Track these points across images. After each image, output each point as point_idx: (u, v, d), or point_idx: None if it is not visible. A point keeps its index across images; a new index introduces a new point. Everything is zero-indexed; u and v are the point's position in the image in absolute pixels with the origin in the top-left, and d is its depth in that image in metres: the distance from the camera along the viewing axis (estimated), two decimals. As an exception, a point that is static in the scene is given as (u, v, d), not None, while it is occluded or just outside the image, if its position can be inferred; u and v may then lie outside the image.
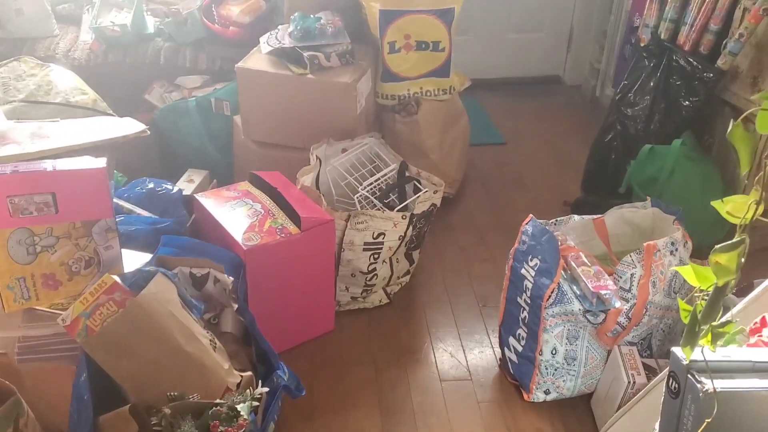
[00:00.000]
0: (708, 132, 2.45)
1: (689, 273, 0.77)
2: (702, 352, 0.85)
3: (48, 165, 1.48)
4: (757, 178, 0.65)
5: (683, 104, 2.32)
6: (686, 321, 0.78)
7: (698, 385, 0.84)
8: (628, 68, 2.52)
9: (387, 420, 1.79)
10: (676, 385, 0.89)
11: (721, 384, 0.84)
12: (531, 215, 1.85)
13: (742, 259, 0.68)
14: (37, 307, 1.56)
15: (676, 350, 0.88)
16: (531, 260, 1.78)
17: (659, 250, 1.69)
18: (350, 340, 2.06)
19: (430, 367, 1.97)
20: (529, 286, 1.77)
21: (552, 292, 1.70)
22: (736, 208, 0.67)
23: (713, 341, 0.76)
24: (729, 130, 0.67)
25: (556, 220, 1.92)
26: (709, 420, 0.80)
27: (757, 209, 0.66)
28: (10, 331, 1.51)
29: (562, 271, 1.73)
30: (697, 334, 0.76)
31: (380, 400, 1.85)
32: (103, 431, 1.32)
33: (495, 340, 2.05)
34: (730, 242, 0.68)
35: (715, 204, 0.70)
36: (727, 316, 1.37)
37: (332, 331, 2.08)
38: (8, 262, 1.49)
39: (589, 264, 1.76)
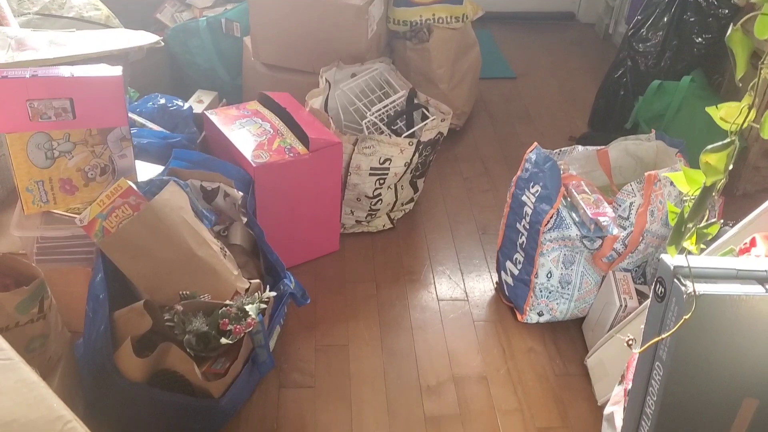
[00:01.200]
0: (718, 71, 2.46)
1: (679, 177, 0.81)
2: (686, 258, 0.90)
3: (65, 71, 1.51)
4: (751, 84, 0.68)
5: (695, 41, 2.32)
6: (673, 223, 0.83)
7: (682, 288, 0.89)
8: (643, 4, 2.51)
9: (386, 332, 1.87)
10: (663, 290, 0.95)
11: (705, 288, 0.89)
12: (536, 143, 1.89)
13: (731, 161, 0.72)
14: (55, 211, 1.62)
15: (664, 257, 0.94)
16: (532, 187, 1.83)
17: (659, 180, 1.74)
18: (353, 260, 2.13)
19: (429, 288, 2.04)
20: (529, 212, 1.82)
21: (551, 218, 1.76)
22: (729, 113, 0.71)
23: (697, 241, 0.82)
24: (728, 34, 0.71)
25: (560, 150, 1.96)
26: (686, 317, 0.86)
27: (749, 114, 0.69)
28: (29, 232, 1.57)
29: (563, 199, 1.78)
30: (683, 234, 0.81)
31: (380, 315, 1.93)
32: (118, 327, 1.39)
33: (492, 265, 2.11)
34: (720, 143, 0.72)
35: (710, 110, 0.74)
36: (721, 241, 1.42)
37: (336, 252, 2.15)
38: (27, 165, 1.54)
39: (589, 192, 1.81)
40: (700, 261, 0.91)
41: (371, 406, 1.67)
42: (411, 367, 1.78)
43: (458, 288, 2.05)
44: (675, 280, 0.91)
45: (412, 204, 2.34)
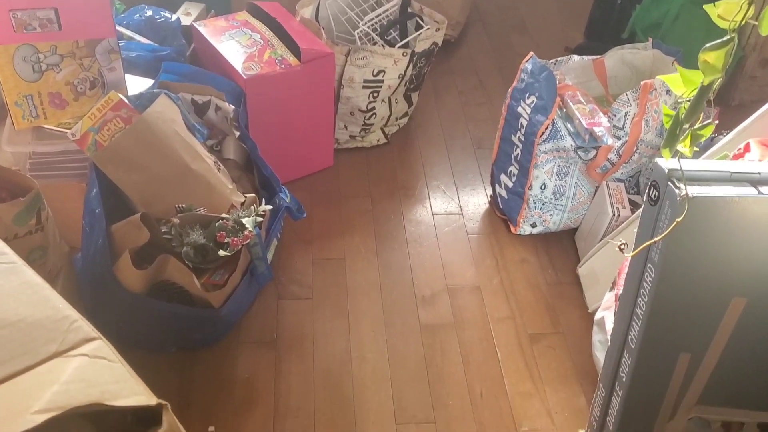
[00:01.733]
0: (717, -22, 2.40)
1: (675, 79, 0.81)
2: (679, 161, 0.90)
3: (48, -20, 1.46)
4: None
5: (694, -54, 2.25)
6: (668, 126, 0.83)
7: (676, 191, 0.90)
8: None
9: (381, 245, 1.89)
10: (656, 193, 0.95)
11: (698, 190, 0.90)
12: (531, 53, 1.86)
13: (729, 59, 0.71)
14: (46, 126, 1.60)
15: (658, 160, 0.94)
16: (528, 98, 1.81)
17: (656, 89, 1.72)
18: (348, 175, 2.13)
19: (423, 202, 2.05)
20: (524, 123, 1.81)
21: (546, 129, 1.75)
22: (727, 10, 0.69)
23: (692, 143, 0.82)
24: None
25: (556, 60, 1.93)
26: (679, 219, 0.87)
27: (748, 10, 0.68)
28: (20, 147, 1.55)
29: (558, 109, 1.76)
30: (678, 137, 0.81)
31: (375, 228, 1.95)
32: (116, 240, 1.40)
33: (487, 179, 2.12)
34: (719, 41, 0.71)
35: (707, 8, 0.72)
36: (715, 148, 1.43)
37: (331, 167, 2.15)
38: (15, 79, 1.51)
39: (584, 102, 1.79)
40: (694, 164, 0.92)
41: (368, 316, 1.71)
42: (406, 279, 1.81)
43: (453, 202, 2.06)
44: (669, 183, 0.92)
45: (406, 118, 2.32)
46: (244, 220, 1.42)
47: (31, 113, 1.57)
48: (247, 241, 1.40)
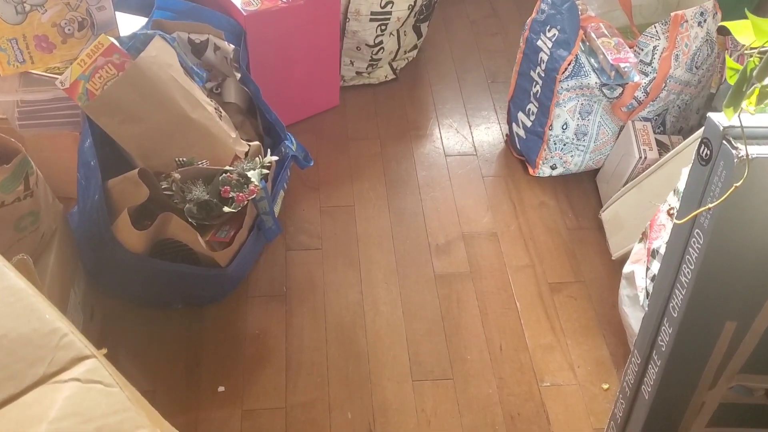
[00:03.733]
0: None
1: (743, 27, 0.70)
2: (739, 117, 0.81)
3: None
4: None
5: None
6: (732, 81, 0.73)
7: (733, 151, 0.81)
8: None
9: (392, 191, 1.81)
10: (708, 152, 0.86)
11: (759, 150, 0.81)
12: (552, -19, 1.72)
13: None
14: (33, 71, 1.49)
15: (714, 115, 0.84)
16: (549, 31, 1.69)
17: (687, 21, 1.59)
18: (355, 115, 2.02)
19: (435, 143, 1.95)
20: (545, 58, 1.69)
21: (569, 65, 1.64)
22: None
23: (758, 101, 0.72)
24: None
25: (578, -11, 1.79)
26: (737, 184, 0.78)
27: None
28: (7, 96, 1.45)
29: (581, 43, 1.64)
30: (743, 94, 0.71)
31: (385, 173, 1.86)
32: (113, 196, 1.31)
33: (502, 117, 2.01)
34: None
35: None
36: None
37: (337, 107, 2.04)
38: (-5, 22, 1.39)
39: (609, 36, 1.67)
40: (755, 120, 0.82)
41: (380, 266, 1.64)
42: (419, 226, 1.73)
43: (466, 142, 1.96)
44: (724, 141, 0.82)
45: (415, 51, 2.19)
46: (249, 174, 1.33)
47: (16, 58, 1.45)
48: (253, 196, 1.32)
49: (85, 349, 0.51)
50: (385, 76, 2.12)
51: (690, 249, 0.89)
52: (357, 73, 2.07)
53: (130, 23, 1.63)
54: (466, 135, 1.97)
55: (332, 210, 1.76)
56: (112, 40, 1.34)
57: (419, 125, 2.00)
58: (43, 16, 1.43)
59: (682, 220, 0.84)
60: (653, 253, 1.26)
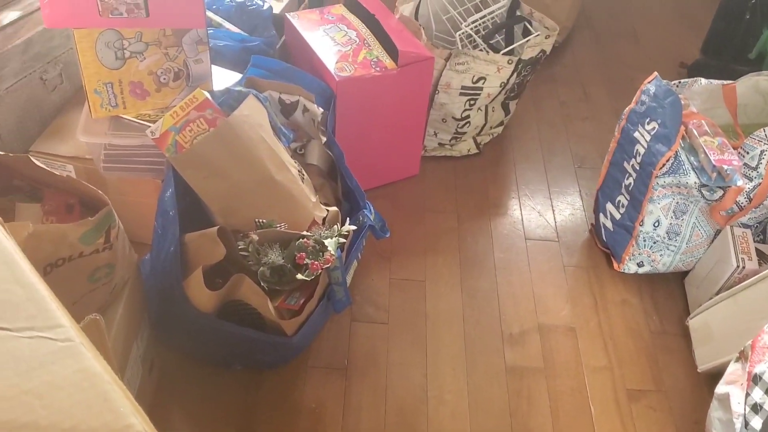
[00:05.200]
0: None
1: None
2: None
3: (140, -38, 1.35)
4: None
5: None
6: None
7: None
8: None
9: (466, 269, 1.73)
10: None
11: None
12: (656, 73, 1.66)
13: None
14: (124, 116, 1.50)
15: None
16: (648, 123, 1.61)
17: (801, 127, 1.50)
18: (434, 186, 1.97)
19: (516, 224, 1.88)
20: (642, 151, 1.62)
21: (667, 161, 1.55)
22: None
23: None
24: None
25: (679, 82, 1.73)
26: None
27: None
28: (96, 138, 1.46)
29: (681, 140, 1.56)
30: None
31: (460, 249, 1.79)
32: (189, 251, 1.29)
33: (588, 204, 1.93)
34: None
35: None
36: None
37: (416, 176, 2.00)
38: (96, 65, 1.41)
39: (711, 134, 1.58)
40: None
41: (448, 349, 1.56)
42: (493, 311, 1.65)
43: (549, 227, 1.88)
44: None
45: (501, 128, 2.15)
46: (326, 241, 1.29)
47: (110, 102, 1.47)
48: (328, 265, 1.27)
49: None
50: (468, 150, 2.07)
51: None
52: (440, 144, 2.04)
53: (224, 77, 1.64)
54: (548, 219, 1.90)
55: (402, 283, 1.70)
56: (207, 94, 1.33)
57: (500, 204, 1.94)
58: (141, 63, 1.44)
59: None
60: (755, 379, 1.15)
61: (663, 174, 1.56)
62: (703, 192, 1.56)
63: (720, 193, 1.55)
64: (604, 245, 1.79)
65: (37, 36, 1.57)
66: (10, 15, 1.54)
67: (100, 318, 0.79)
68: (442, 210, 1.90)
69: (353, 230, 1.39)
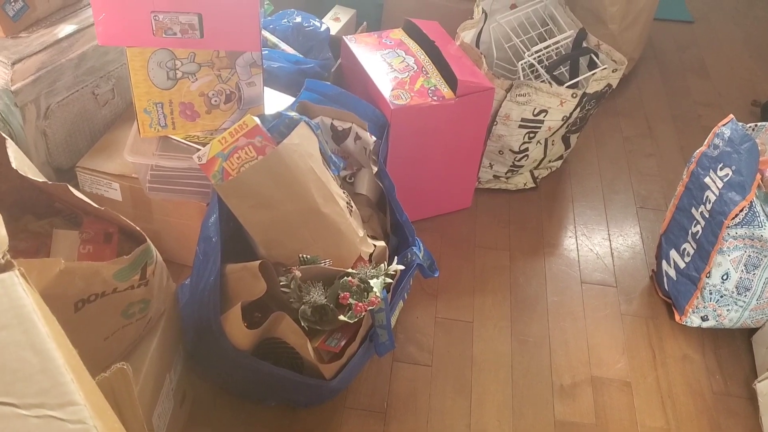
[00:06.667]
0: None
1: None
2: None
3: (197, -19, 1.31)
4: None
5: None
6: None
7: None
8: None
9: (517, 312, 1.65)
10: None
11: None
12: (731, 116, 1.55)
13: None
14: (173, 137, 1.46)
15: None
16: (721, 169, 1.51)
17: None
18: (486, 221, 1.89)
19: (572, 265, 1.78)
20: (712, 198, 1.51)
21: (741, 211, 1.45)
22: None
23: None
24: None
25: (756, 125, 1.61)
26: None
27: None
28: (143, 159, 1.42)
29: (757, 189, 1.46)
30: None
31: (512, 290, 1.70)
32: (229, 282, 1.23)
33: (650, 249, 1.82)
34: None
35: None
36: None
37: (468, 209, 1.92)
38: (147, 85, 1.38)
39: (791, 184, 1.47)
40: None
41: (494, 398, 1.47)
42: (543, 359, 1.55)
43: (607, 270, 1.78)
44: None
45: (560, 162, 2.06)
46: (371, 281, 1.22)
47: (159, 122, 1.43)
48: (372, 307, 1.20)
49: None
50: (524, 184, 1.99)
51: None
52: (495, 176, 1.96)
53: (276, 100, 1.59)
54: (607, 262, 1.79)
55: (448, 323, 1.62)
56: (257, 121, 1.29)
57: (555, 242, 1.85)
58: (192, 84, 1.41)
59: None
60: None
61: (735, 225, 1.46)
62: (780, 247, 1.45)
63: (798, 249, 1.44)
64: (666, 294, 1.68)
65: (92, 50, 1.56)
66: (67, 28, 1.52)
67: (127, 367, 0.73)
68: (493, 246, 1.82)
69: (401, 270, 1.32)
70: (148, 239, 0.90)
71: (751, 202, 1.44)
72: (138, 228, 0.93)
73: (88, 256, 1.01)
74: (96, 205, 0.94)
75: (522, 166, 1.93)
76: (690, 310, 1.60)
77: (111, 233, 1.03)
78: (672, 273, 1.65)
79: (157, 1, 1.27)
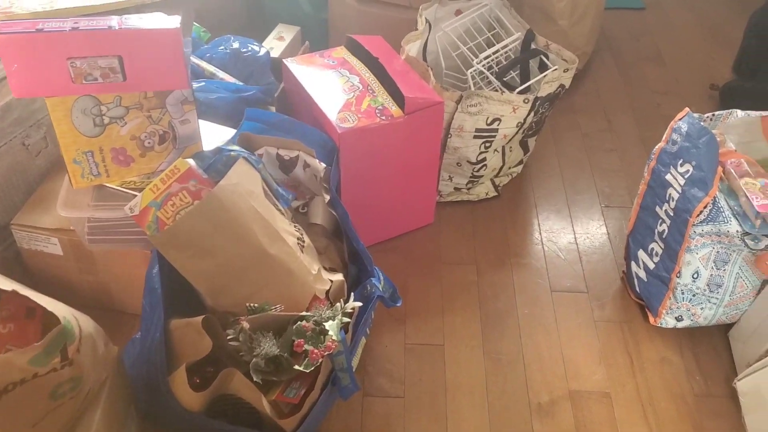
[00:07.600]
0: None
1: None
2: None
3: (114, 22, 1.24)
4: None
5: None
6: None
7: None
8: None
9: (488, 329, 1.59)
10: None
11: None
12: (687, 109, 1.51)
13: None
14: (108, 185, 1.38)
15: None
16: (681, 165, 1.46)
17: None
18: (450, 236, 1.83)
19: (540, 274, 1.73)
20: (675, 196, 1.47)
21: (705, 207, 1.40)
22: None
23: None
24: None
25: (713, 115, 1.57)
26: None
27: None
28: (77, 212, 1.35)
29: (719, 182, 1.41)
30: None
31: (481, 306, 1.65)
32: (174, 339, 1.16)
33: (618, 248, 1.78)
34: None
35: None
36: None
37: (431, 225, 1.86)
38: (73, 134, 1.30)
39: (753, 175, 1.43)
40: None
41: (470, 424, 1.41)
42: (518, 377, 1.50)
43: (576, 276, 1.72)
44: None
45: (520, 167, 2.00)
46: (326, 324, 1.15)
47: (91, 171, 1.36)
48: (330, 352, 1.13)
49: None
50: (486, 193, 1.93)
51: None
52: (455, 189, 1.90)
53: (216, 134, 1.52)
54: (576, 268, 1.74)
55: (418, 348, 1.56)
56: (191, 163, 1.21)
57: (522, 252, 1.79)
58: (122, 128, 1.33)
59: None
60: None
61: (700, 222, 1.41)
62: (747, 241, 1.40)
63: (766, 242, 1.39)
64: (638, 296, 1.64)
65: (16, 100, 1.48)
66: (-14, 80, 1.44)
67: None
68: (459, 261, 1.76)
69: (359, 306, 1.26)
70: (62, 320, 0.82)
71: (714, 197, 1.40)
72: (49, 308, 0.85)
73: (9, 336, 0.94)
74: (4, 287, 0.87)
75: (482, 176, 1.87)
76: (663, 311, 1.55)
77: (33, 308, 0.95)
78: (642, 274, 1.60)
79: (72, 47, 1.19)
